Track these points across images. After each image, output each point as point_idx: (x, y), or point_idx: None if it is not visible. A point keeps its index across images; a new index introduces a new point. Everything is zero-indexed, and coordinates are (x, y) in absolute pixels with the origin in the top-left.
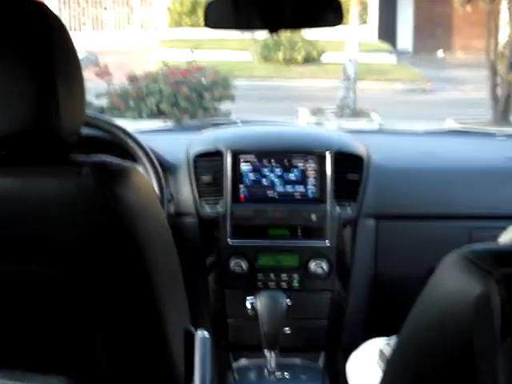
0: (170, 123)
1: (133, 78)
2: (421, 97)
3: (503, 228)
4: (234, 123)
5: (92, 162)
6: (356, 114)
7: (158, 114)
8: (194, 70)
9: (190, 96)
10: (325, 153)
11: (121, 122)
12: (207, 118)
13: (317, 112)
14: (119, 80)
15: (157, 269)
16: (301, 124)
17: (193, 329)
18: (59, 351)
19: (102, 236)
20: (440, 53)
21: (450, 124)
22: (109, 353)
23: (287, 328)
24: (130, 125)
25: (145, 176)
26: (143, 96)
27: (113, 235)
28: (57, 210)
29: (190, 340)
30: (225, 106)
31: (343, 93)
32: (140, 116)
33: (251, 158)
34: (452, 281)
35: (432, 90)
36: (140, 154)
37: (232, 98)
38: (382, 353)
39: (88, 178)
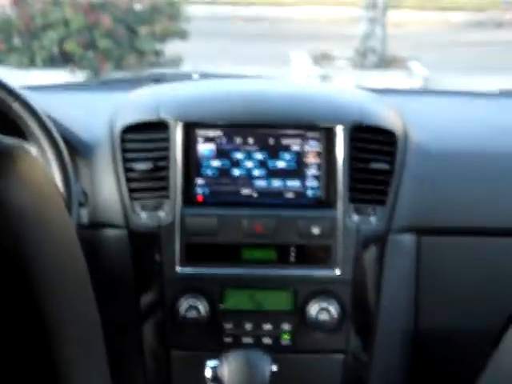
0: (81, 75)
1: (19, 0)
2: (493, 34)
3: None
4: (188, 76)
5: None
6: (386, 62)
7: (62, 58)
8: None
9: (115, 31)
10: (335, 127)
11: None
12: (143, 68)
13: (322, 59)
14: None
15: (55, 311)
16: (296, 79)
17: None
18: None
19: None
20: None
21: None
22: None
23: None
24: (14, 76)
25: (40, 162)
26: (37, 29)
27: None
28: None
29: None
30: (172, 47)
31: (366, 28)
32: (31, 62)
33: (215, 133)
34: None
35: None
36: (33, 126)
37: (183, 35)
38: None
39: None
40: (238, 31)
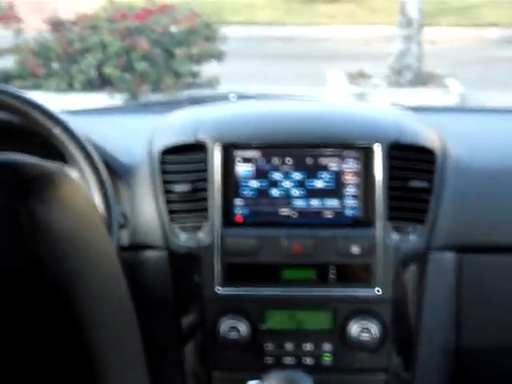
0: (119, 98)
1: (58, 25)
2: None
3: None
4: (225, 97)
5: None
6: (422, 80)
7: (100, 82)
8: (157, 12)
9: (152, 53)
10: (373, 145)
11: (38, 96)
12: (180, 89)
13: (358, 77)
14: (35, 27)
15: (97, 335)
16: (332, 97)
17: None
18: None
19: (11, 282)
20: None
21: None
22: None
23: None
24: (53, 100)
25: (81, 186)
26: (75, 54)
27: (28, 283)
28: None
29: None
30: (209, 69)
31: (401, 46)
32: (70, 86)
33: (253, 154)
34: None
35: None
36: (73, 150)
37: (220, 57)
38: None
39: None
40: (273, 51)
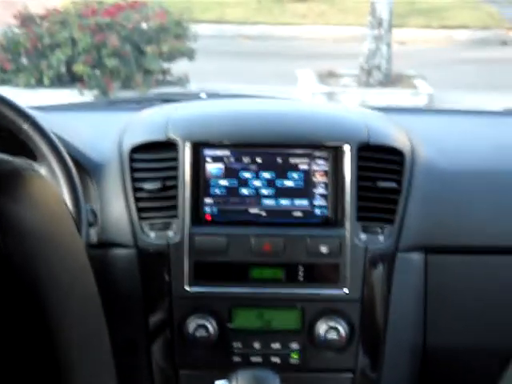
0: (89, 95)
1: (26, 19)
2: (498, 52)
3: None
4: (196, 96)
5: None
6: (392, 80)
7: (70, 78)
8: (127, 8)
9: (122, 50)
10: (342, 146)
11: (7, 91)
12: (150, 87)
13: (328, 77)
14: (3, 22)
15: (65, 331)
16: (302, 97)
17: None
18: None
19: None
20: None
21: None
22: None
23: None
24: (22, 95)
25: (50, 183)
26: (44, 49)
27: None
28: None
29: None
30: (179, 66)
31: (371, 46)
32: (39, 82)
33: (223, 153)
34: None
35: None
36: (42, 146)
37: (190, 55)
38: None
39: None
40: (244, 50)
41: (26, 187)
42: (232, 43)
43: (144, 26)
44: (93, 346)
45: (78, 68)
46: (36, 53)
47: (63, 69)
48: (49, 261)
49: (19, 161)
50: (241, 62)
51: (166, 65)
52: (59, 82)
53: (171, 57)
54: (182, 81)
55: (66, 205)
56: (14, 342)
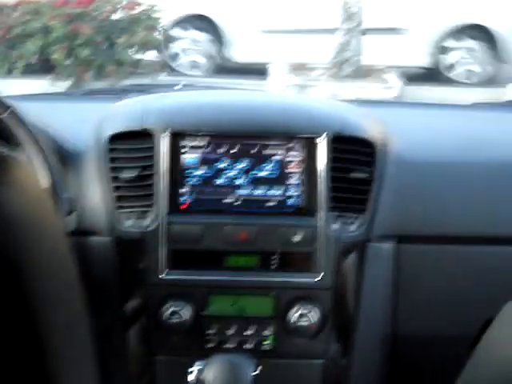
0: (62, 84)
1: None
2: None
3: None
4: (171, 87)
5: None
6: (362, 73)
7: (42, 68)
8: None
9: (95, 40)
10: (316, 137)
11: None
12: (122, 77)
13: (299, 69)
14: None
15: (47, 317)
16: (273, 88)
17: None
18: None
19: None
20: None
21: None
22: None
23: None
24: None
25: (31, 170)
26: (15, 39)
27: None
28: None
29: None
30: (151, 57)
31: (342, 39)
32: (9, 71)
33: (200, 142)
34: None
35: None
36: (21, 135)
37: (160, 46)
38: None
39: None
40: None
41: (7, 174)
42: None
43: (116, 16)
44: (74, 330)
45: (54, 57)
46: (7, 43)
47: (35, 58)
48: (30, 245)
49: (0, 149)
50: None
51: (137, 56)
52: (30, 71)
53: (142, 48)
54: (152, 71)
55: (46, 192)
56: None
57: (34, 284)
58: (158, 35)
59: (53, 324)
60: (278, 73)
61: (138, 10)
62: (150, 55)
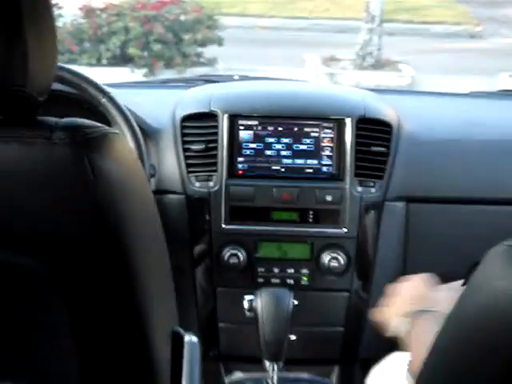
0: (139, 72)
1: (89, 11)
2: (467, 43)
3: None
4: (231, 77)
5: (65, 125)
6: (381, 65)
7: (123, 59)
8: (169, 3)
9: (166, 37)
10: (344, 119)
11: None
12: (187, 67)
13: (329, 61)
14: (70, 12)
15: (144, 260)
16: (309, 75)
17: (182, 331)
18: (21, 356)
19: (79, 219)
20: None
21: (505, 81)
22: (82, 359)
23: (293, 335)
24: (85, 73)
25: (128, 143)
26: (103, 36)
27: (92, 219)
28: (22, 186)
29: (178, 344)
30: (210, 51)
31: (365, 37)
32: (98, 61)
33: (253, 122)
34: (498, 277)
35: (482, 34)
36: (116, 116)
37: (219, 42)
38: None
39: (61, 145)
40: (262, 38)
41: (110, 146)
42: (252, 33)
43: (183, 18)
44: (160, 269)
45: (131, 51)
46: (96, 38)
47: (118, 52)
48: (129, 203)
49: (105, 126)
50: (258, 48)
51: (199, 49)
52: (115, 62)
53: (204, 43)
54: (212, 62)
55: (138, 160)
56: (97, 280)
57: (135, 236)
58: (217, 32)
59: (144, 262)
60: (312, 63)
61: (201, 12)
62: (210, 49)
